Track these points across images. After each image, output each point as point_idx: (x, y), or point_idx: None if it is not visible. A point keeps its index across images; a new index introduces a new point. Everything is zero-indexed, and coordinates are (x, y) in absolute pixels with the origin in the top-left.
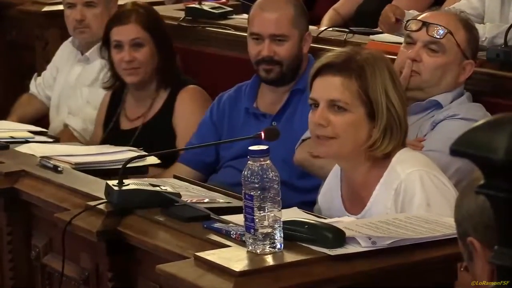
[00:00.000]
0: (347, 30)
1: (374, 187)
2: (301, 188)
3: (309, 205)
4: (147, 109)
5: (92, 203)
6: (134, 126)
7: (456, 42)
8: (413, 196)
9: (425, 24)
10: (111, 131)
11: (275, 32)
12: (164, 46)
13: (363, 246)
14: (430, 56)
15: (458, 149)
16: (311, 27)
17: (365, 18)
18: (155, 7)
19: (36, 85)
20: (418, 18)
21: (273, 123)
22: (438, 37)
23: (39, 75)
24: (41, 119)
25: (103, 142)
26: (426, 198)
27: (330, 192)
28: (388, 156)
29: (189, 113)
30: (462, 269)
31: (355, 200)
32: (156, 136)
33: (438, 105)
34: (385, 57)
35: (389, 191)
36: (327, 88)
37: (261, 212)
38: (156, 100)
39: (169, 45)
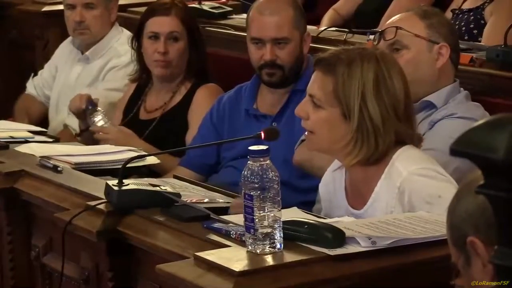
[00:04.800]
0: (347, 30)
1: (375, 183)
2: (301, 188)
3: (309, 205)
4: (167, 101)
5: (92, 203)
6: (153, 117)
7: (412, 34)
8: (422, 193)
9: (380, 33)
10: (130, 120)
11: (277, 36)
12: (197, 44)
13: (363, 246)
14: (396, 57)
15: (458, 148)
16: (311, 27)
17: (365, 18)
18: None
19: (35, 86)
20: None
21: (273, 123)
22: (391, 37)
23: (36, 75)
24: (42, 120)
25: None
26: (435, 190)
27: (333, 183)
28: (388, 153)
29: (203, 109)
30: (452, 282)
31: (357, 195)
32: (172, 128)
33: (431, 105)
34: (377, 59)
35: (391, 189)
36: (311, 82)
37: (261, 212)
38: (176, 94)
39: (201, 43)
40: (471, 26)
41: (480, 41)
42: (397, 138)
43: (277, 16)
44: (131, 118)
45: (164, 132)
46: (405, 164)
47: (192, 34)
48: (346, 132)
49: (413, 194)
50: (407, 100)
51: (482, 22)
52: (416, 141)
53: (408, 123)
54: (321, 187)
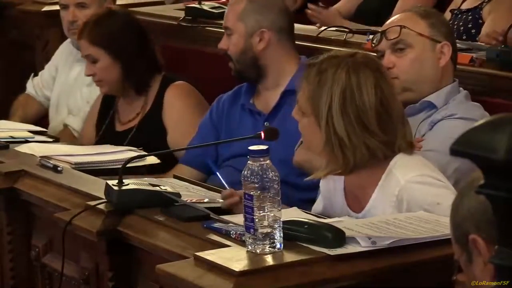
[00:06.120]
0: (347, 30)
1: (372, 190)
2: (300, 186)
3: (308, 203)
4: (139, 110)
5: (92, 203)
6: (129, 127)
7: (416, 32)
8: (420, 201)
9: (382, 33)
10: (105, 133)
11: (225, 24)
12: (124, 55)
13: (363, 246)
14: (400, 57)
15: (459, 149)
16: (310, 27)
17: (365, 17)
18: (155, 7)
19: (34, 86)
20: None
21: (265, 123)
22: (395, 36)
23: (36, 75)
24: (40, 120)
25: (98, 143)
26: (434, 198)
27: (333, 181)
28: (385, 159)
29: (178, 108)
30: (454, 277)
31: (355, 199)
32: (150, 135)
33: (431, 105)
34: (349, 71)
35: (388, 197)
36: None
37: (261, 212)
38: (147, 102)
39: (131, 51)
40: (469, 25)
41: (478, 41)
42: (369, 152)
43: (230, 6)
44: (106, 130)
45: (143, 141)
46: (402, 171)
47: (111, 49)
48: (321, 141)
49: (411, 203)
50: (385, 112)
51: (480, 21)
52: (399, 150)
53: (388, 135)
54: (322, 182)
